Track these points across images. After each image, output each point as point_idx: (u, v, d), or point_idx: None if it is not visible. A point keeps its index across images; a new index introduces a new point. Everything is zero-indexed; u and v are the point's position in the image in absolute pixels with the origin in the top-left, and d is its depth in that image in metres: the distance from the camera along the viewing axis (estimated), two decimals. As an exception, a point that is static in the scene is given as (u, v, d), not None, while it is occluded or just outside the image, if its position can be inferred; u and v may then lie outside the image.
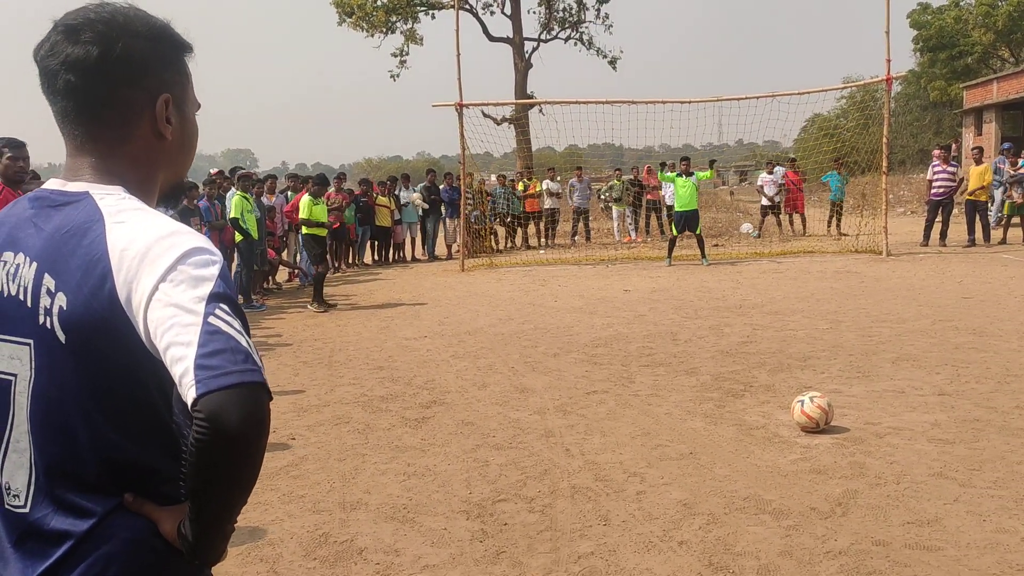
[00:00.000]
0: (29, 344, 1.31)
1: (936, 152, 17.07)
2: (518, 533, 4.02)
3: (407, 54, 32.82)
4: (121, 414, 1.30)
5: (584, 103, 16.97)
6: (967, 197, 16.16)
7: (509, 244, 20.36)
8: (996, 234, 16.48)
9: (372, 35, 32.19)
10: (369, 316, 10.91)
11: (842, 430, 5.36)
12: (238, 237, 11.64)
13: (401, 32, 32.63)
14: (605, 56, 34.27)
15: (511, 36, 32.78)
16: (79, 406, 1.29)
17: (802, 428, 5.34)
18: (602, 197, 21.76)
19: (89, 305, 1.25)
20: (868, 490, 4.36)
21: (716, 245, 18.18)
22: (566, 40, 34.22)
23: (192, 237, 1.28)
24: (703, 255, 15.30)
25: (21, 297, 1.32)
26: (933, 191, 16.42)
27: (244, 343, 1.19)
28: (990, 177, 16.05)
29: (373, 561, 3.79)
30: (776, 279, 12.89)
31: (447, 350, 8.43)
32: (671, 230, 15.85)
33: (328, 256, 13.74)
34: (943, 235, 16.26)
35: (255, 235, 11.95)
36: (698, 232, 15.29)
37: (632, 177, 20.68)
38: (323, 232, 12.17)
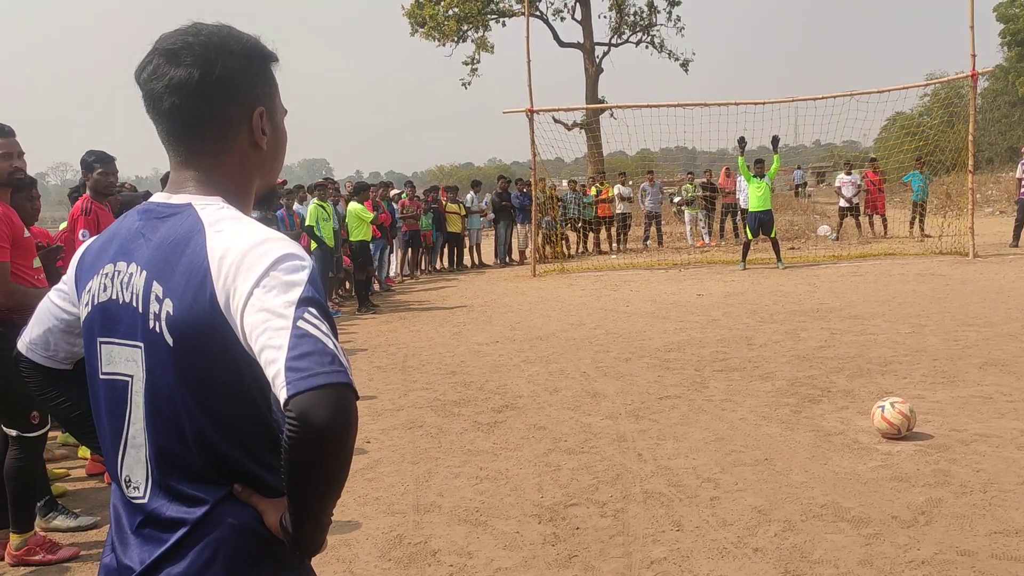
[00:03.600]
0: (141, 347, 1.41)
1: (1025, 149, 16.38)
2: (590, 537, 4.01)
3: (478, 62, 33.06)
4: (225, 411, 1.39)
5: (656, 107, 16.83)
6: None
7: (581, 249, 20.33)
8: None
9: (444, 44, 32.54)
10: (442, 321, 11.03)
11: (926, 437, 5.19)
12: (313, 245, 11.92)
13: (472, 40, 32.89)
14: (677, 59, 33.90)
15: (581, 41, 32.71)
16: (187, 404, 1.37)
17: (883, 434, 5.20)
18: (674, 201, 21.52)
19: (192, 310, 1.34)
20: (953, 498, 4.22)
21: (792, 248, 17.81)
22: (637, 44, 33.97)
23: (283, 244, 1.34)
24: (778, 259, 15.01)
25: (134, 304, 1.42)
26: (1023, 190, 15.79)
27: (331, 345, 1.25)
28: None
29: (446, 563, 3.83)
30: (855, 282, 12.56)
31: (519, 355, 8.47)
32: (745, 234, 15.60)
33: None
34: (1034, 235, 15.60)
35: (330, 243, 12.22)
36: (773, 235, 15.00)
37: (705, 180, 20.42)
38: (369, 237, 12.77)
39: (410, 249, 17.15)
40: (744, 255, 15.27)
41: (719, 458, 5.02)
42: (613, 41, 33.65)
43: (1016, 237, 15.74)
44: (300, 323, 1.24)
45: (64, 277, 1.65)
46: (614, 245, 20.49)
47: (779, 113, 16.63)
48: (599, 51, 33.01)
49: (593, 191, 20.24)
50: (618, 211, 20.18)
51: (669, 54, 33.85)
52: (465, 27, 32.38)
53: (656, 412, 6.08)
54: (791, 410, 5.94)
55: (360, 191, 13.23)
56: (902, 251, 16.22)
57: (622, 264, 17.35)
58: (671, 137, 20.02)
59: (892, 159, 21.23)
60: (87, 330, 1.52)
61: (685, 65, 34.02)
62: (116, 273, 1.46)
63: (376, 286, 14.54)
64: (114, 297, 1.45)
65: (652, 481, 4.70)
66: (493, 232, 19.48)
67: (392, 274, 16.26)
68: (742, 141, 14.82)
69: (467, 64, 33.09)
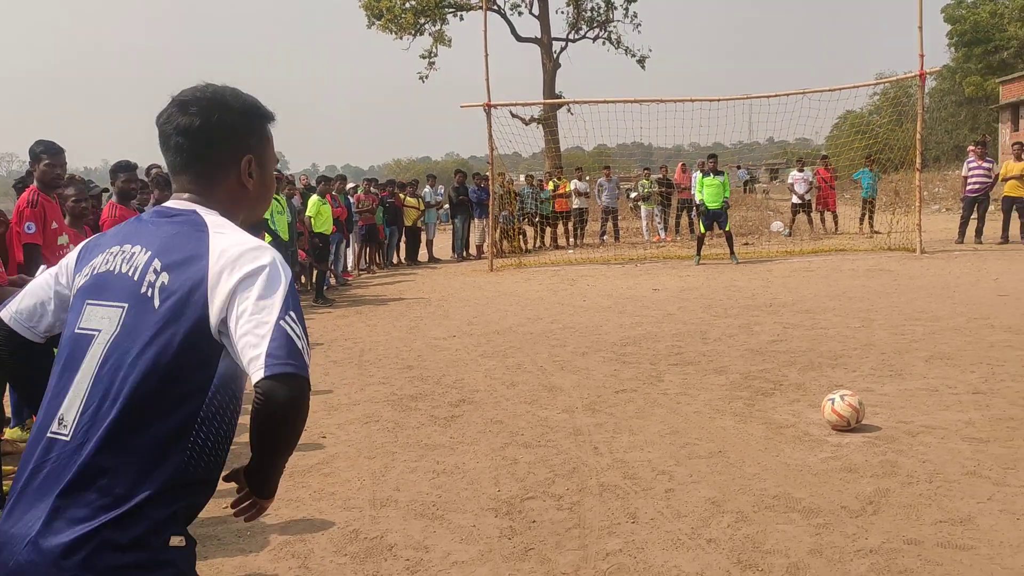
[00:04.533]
0: (123, 307, 1.68)
1: (971, 148, 16.80)
2: (546, 530, 4.03)
3: (435, 55, 32.94)
4: (177, 364, 1.63)
5: (612, 102, 16.92)
6: (1004, 193, 15.89)
7: (538, 244, 20.37)
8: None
9: (401, 37, 32.37)
10: (398, 316, 10.98)
11: (874, 428, 5.31)
12: (267, 238, 11.77)
13: (430, 34, 32.78)
14: (634, 55, 34.17)
15: (539, 36, 32.80)
16: (144, 357, 1.62)
17: (833, 426, 5.30)
18: (631, 196, 21.65)
19: (183, 285, 1.64)
20: (900, 489, 4.32)
21: (746, 244, 18.05)
22: (594, 39, 34.18)
23: (271, 252, 1.69)
24: (732, 253, 15.20)
25: (129, 273, 1.71)
26: (968, 187, 16.19)
27: (300, 345, 1.61)
28: None
29: (403, 557, 3.82)
30: (807, 277, 12.78)
31: (476, 349, 8.47)
32: (699, 227, 15.80)
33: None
34: (978, 232, 16.00)
35: (285, 236, 12.07)
36: (727, 228, 15.18)
37: (661, 176, 20.60)
38: (328, 230, 13.05)
39: (367, 245, 17.03)
40: (698, 249, 15.44)
41: (674, 451, 5.08)
42: (570, 36, 33.81)
43: (961, 234, 16.13)
44: (281, 323, 1.59)
45: (66, 259, 1.90)
46: (571, 240, 20.59)
47: (734, 110, 16.98)
48: (556, 46, 33.15)
49: (550, 186, 20.28)
50: (575, 206, 20.26)
51: (626, 50, 34.10)
52: (422, 20, 32.26)
53: (612, 406, 6.12)
54: (744, 403, 6.03)
55: (320, 183, 13.83)
56: (852, 247, 16.54)
57: (579, 259, 17.43)
58: (628, 133, 20.11)
59: (843, 157, 21.64)
60: (79, 294, 1.77)
61: (642, 61, 34.29)
62: (121, 252, 1.75)
63: (332, 280, 14.42)
64: (112, 269, 1.74)
65: (608, 474, 4.74)
66: (450, 226, 19.40)
67: (349, 267, 16.14)
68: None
69: (424, 58, 32.97)
